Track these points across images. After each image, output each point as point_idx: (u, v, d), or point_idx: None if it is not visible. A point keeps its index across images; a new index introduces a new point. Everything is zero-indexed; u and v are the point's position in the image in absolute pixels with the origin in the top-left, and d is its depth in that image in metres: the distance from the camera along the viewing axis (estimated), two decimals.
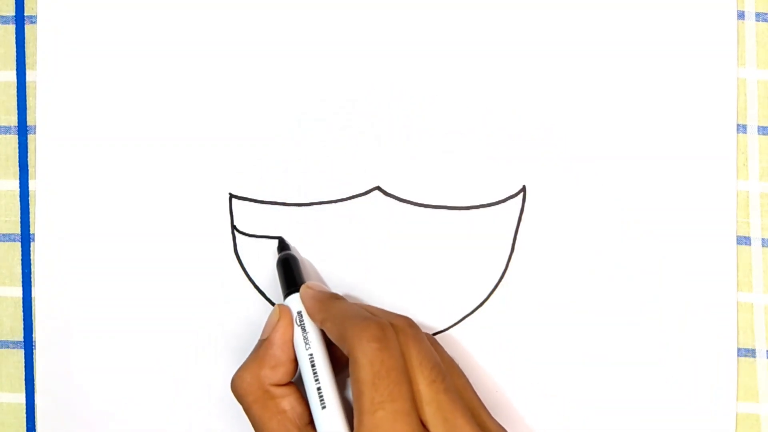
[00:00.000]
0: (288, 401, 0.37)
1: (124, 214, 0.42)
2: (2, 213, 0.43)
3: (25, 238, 0.43)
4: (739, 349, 0.41)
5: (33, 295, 0.43)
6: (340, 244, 0.42)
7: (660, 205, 0.42)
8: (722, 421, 0.41)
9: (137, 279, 0.42)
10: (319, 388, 0.36)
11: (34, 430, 0.42)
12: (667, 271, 0.41)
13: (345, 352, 0.35)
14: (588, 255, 0.42)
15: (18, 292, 0.43)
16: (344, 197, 0.42)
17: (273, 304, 0.42)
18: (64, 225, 0.42)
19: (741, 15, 0.42)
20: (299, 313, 0.38)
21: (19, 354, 0.43)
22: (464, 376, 0.37)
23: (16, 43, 0.43)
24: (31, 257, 0.43)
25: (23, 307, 0.43)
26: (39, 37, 0.43)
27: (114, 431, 0.42)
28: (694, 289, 0.41)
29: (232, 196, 0.42)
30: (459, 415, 0.34)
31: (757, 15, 0.42)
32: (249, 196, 0.42)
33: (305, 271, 0.41)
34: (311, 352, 0.37)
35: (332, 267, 0.42)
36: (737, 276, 0.41)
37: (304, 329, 0.37)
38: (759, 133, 0.42)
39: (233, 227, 0.42)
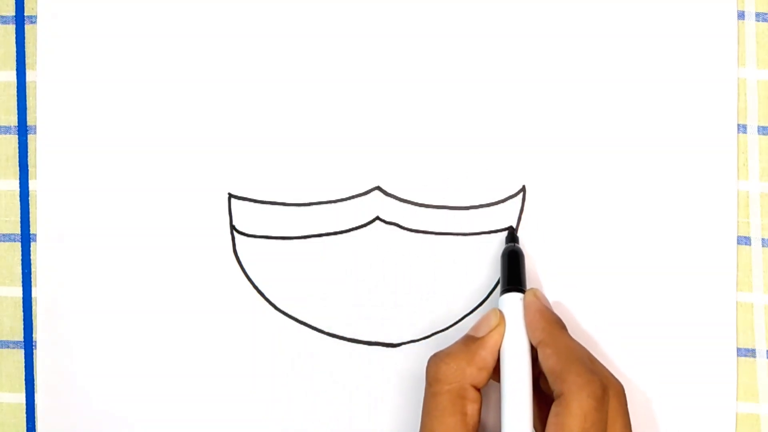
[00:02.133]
0: (472, 407, 0.36)
1: (123, 214, 0.42)
2: (2, 213, 0.43)
3: (25, 238, 0.43)
4: (739, 349, 0.41)
5: (33, 295, 0.43)
6: (340, 243, 0.42)
7: (660, 204, 0.42)
8: (722, 421, 0.41)
9: (137, 279, 0.42)
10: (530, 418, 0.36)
11: (34, 430, 0.42)
12: (667, 271, 0.41)
13: (555, 388, 0.35)
14: (588, 255, 0.41)
15: (18, 292, 0.43)
16: (344, 197, 0.42)
17: (272, 304, 0.42)
18: (64, 225, 0.42)
19: (741, 15, 0.42)
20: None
21: (19, 354, 0.43)
22: None
23: (16, 43, 0.43)
24: (31, 257, 0.43)
25: (23, 307, 0.43)
26: (39, 37, 0.43)
27: (114, 431, 0.42)
28: (694, 289, 0.41)
29: (231, 195, 0.42)
30: None
31: (757, 15, 0.42)
32: (248, 196, 0.42)
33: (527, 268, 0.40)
34: (529, 373, 0.36)
35: (333, 266, 0.42)
36: (737, 276, 0.41)
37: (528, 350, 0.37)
38: (759, 133, 0.42)
39: (232, 227, 0.42)
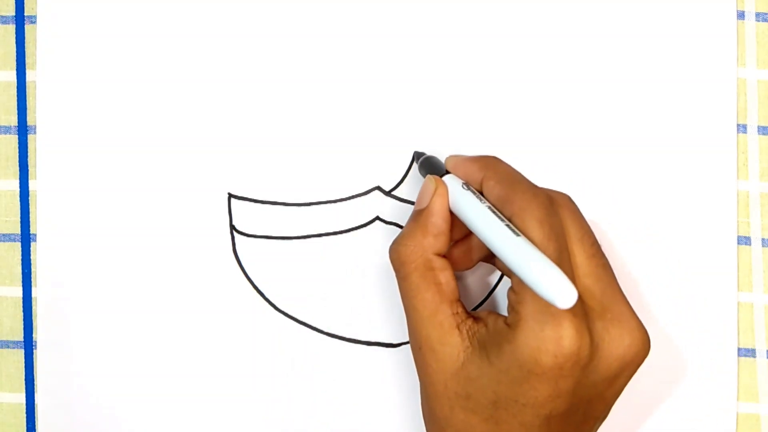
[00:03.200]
0: (444, 275, 0.36)
1: (123, 214, 0.42)
2: (2, 213, 0.43)
3: (25, 238, 0.43)
4: (739, 349, 0.41)
5: (33, 295, 0.43)
6: (340, 243, 0.42)
7: (660, 204, 0.42)
8: (722, 421, 0.41)
9: (136, 279, 0.42)
10: (507, 224, 0.34)
11: (34, 430, 0.42)
12: (667, 271, 0.41)
13: (506, 213, 0.35)
14: None
15: (18, 292, 0.43)
16: (344, 197, 0.42)
17: (271, 304, 0.42)
18: (64, 225, 0.42)
19: (741, 15, 0.42)
20: (465, 183, 0.37)
21: (19, 354, 0.43)
22: None
23: (16, 43, 0.43)
24: (31, 257, 0.43)
25: (23, 307, 0.43)
26: (39, 37, 0.43)
27: (114, 431, 0.42)
28: (694, 289, 0.41)
29: (231, 195, 0.42)
30: (616, 290, 0.35)
31: (757, 15, 0.42)
32: (248, 196, 0.42)
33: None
34: (488, 204, 0.35)
35: (333, 266, 0.42)
36: (737, 276, 0.41)
37: (473, 192, 0.36)
38: (759, 133, 0.42)
39: (232, 227, 0.42)
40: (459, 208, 0.36)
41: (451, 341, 0.35)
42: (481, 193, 0.36)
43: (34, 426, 0.42)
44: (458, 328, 0.35)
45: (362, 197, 0.42)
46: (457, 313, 0.35)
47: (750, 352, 0.41)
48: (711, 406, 0.41)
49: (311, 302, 0.42)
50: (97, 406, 0.42)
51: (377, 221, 0.42)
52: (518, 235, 0.33)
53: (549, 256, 0.32)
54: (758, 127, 0.42)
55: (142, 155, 0.42)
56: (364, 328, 0.42)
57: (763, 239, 0.42)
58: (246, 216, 0.42)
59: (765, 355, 0.41)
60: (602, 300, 0.34)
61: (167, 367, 0.42)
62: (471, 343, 0.34)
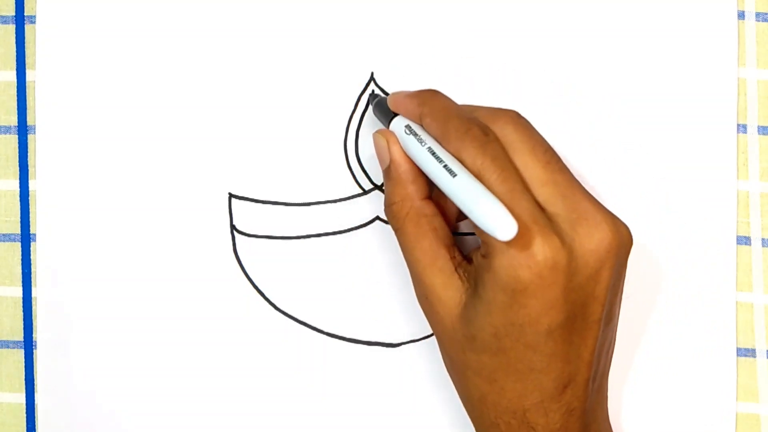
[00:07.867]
0: (437, 220, 0.37)
1: (123, 214, 0.42)
2: (2, 213, 0.43)
3: (25, 238, 0.43)
4: (739, 349, 0.41)
5: (33, 295, 0.43)
6: (341, 243, 0.42)
7: (660, 205, 0.42)
8: (722, 421, 0.41)
9: (137, 279, 0.42)
10: (444, 165, 0.34)
11: (34, 430, 0.42)
12: (667, 271, 0.41)
13: (448, 149, 0.35)
14: None
15: (18, 292, 0.43)
16: (344, 197, 0.42)
17: (272, 304, 0.42)
18: (64, 225, 0.42)
19: (741, 15, 0.42)
20: (407, 126, 0.37)
21: (19, 354, 0.43)
22: None
23: (16, 43, 0.43)
24: (31, 257, 0.43)
25: (23, 307, 0.43)
26: (39, 37, 0.43)
27: (114, 431, 0.42)
28: (694, 289, 0.41)
29: (231, 195, 0.42)
30: (577, 191, 0.35)
31: (757, 15, 0.42)
32: (248, 196, 0.42)
33: None
34: (428, 146, 0.36)
35: (333, 266, 0.42)
36: (737, 276, 0.41)
37: (415, 134, 0.37)
38: (759, 133, 0.42)
39: (232, 227, 0.42)
40: (407, 152, 0.37)
41: (453, 284, 0.36)
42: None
43: (34, 426, 0.42)
44: (457, 272, 0.36)
45: (362, 197, 0.42)
46: (454, 257, 0.36)
47: (749, 352, 0.41)
48: (710, 406, 0.41)
49: (311, 302, 0.42)
50: (97, 406, 0.42)
51: (377, 221, 0.42)
52: (455, 175, 0.34)
53: (491, 188, 0.33)
54: (758, 127, 0.42)
55: (142, 155, 0.42)
56: (364, 328, 0.42)
57: (763, 239, 0.42)
58: (246, 216, 0.42)
59: (765, 355, 0.41)
60: (564, 204, 0.34)
61: (167, 367, 0.42)
62: (468, 283, 0.35)
